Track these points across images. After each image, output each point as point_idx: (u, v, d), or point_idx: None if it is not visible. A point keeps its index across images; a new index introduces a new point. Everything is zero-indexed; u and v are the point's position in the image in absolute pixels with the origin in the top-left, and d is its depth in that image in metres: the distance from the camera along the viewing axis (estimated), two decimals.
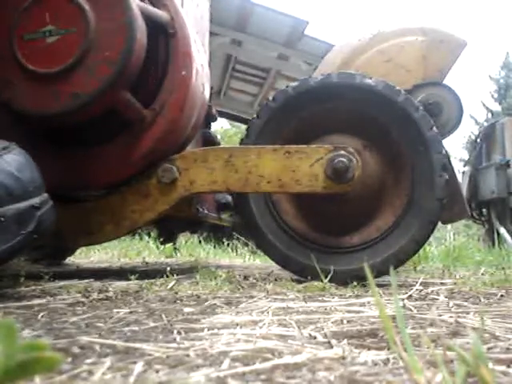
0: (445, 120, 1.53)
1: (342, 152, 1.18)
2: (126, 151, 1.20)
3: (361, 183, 1.23)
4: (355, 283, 1.13)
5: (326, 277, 1.12)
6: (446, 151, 1.33)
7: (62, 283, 1.09)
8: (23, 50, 1.10)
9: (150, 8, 1.21)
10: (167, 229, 1.95)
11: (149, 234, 3.24)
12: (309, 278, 1.20)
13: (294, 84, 1.31)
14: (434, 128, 1.25)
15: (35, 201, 0.90)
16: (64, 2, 1.10)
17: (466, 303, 0.86)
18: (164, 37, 1.23)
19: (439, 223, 1.37)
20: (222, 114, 2.29)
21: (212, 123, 1.75)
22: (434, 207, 1.23)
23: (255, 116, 1.32)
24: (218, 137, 1.77)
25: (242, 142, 1.33)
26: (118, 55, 1.08)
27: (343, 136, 1.32)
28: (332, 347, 0.51)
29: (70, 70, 1.08)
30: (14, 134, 1.15)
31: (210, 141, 1.67)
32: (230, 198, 1.66)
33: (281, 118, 1.31)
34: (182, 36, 1.23)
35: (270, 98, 1.32)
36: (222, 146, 1.76)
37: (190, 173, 1.22)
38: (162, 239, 2.05)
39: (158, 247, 2.81)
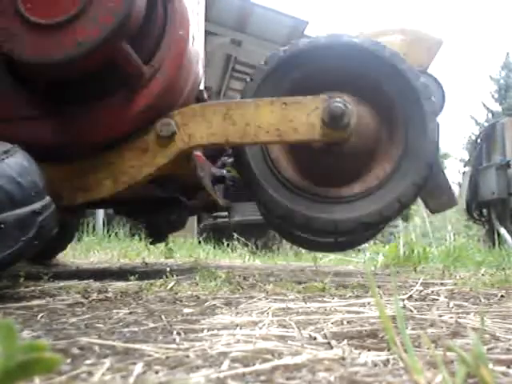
0: None
1: (337, 99, 1.23)
2: (125, 107, 1.21)
3: (356, 136, 1.27)
4: (355, 284, 1.13)
5: (331, 228, 1.18)
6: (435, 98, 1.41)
7: (61, 284, 1.09)
8: (26, 3, 1.11)
9: None
10: (156, 229, 1.95)
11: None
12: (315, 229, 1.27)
13: (285, 47, 1.37)
14: (421, 78, 1.32)
15: (36, 206, 0.89)
16: None
17: (466, 304, 0.85)
18: None
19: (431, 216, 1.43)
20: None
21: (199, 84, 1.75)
22: (428, 149, 1.30)
23: (249, 79, 1.37)
24: None
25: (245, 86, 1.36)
26: (121, 5, 1.10)
27: (337, 93, 1.36)
28: (332, 348, 0.51)
29: (73, 20, 1.10)
30: (14, 93, 1.17)
31: (203, 101, 1.68)
32: (225, 171, 1.68)
33: (274, 80, 1.36)
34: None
35: (262, 61, 1.38)
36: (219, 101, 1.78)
37: (189, 127, 1.25)
38: (151, 240, 2.05)
39: (157, 247, 2.81)
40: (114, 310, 0.76)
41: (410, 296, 0.94)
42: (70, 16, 1.10)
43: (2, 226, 0.84)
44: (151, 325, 0.64)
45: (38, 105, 1.19)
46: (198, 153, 1.56)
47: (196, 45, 1.38)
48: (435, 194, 1.42)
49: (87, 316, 0.71)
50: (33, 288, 1.02)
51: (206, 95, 1.70)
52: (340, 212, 1.29)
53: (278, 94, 1.34)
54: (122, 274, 1.50)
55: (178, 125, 1.24)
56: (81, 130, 1.22)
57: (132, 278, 1.17)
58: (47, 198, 0.94)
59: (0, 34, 1.11)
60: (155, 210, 1.82)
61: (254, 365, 0.44)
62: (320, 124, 1.22)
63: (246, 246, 3.52)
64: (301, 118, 1.23)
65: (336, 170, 1.37)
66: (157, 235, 2.00)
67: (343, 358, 0.47)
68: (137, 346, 0.51)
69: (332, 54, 1.34)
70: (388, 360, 0.46)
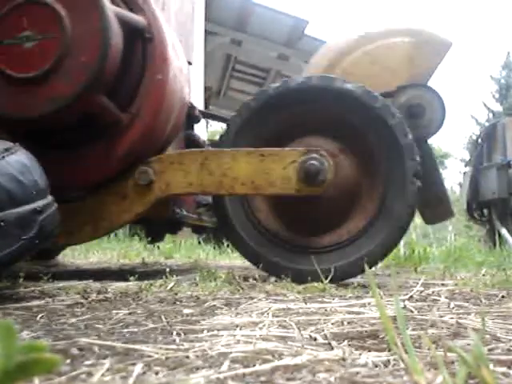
0: (427, 121, 1.55)
1: (314, 155, 1.21)
2: (104, 154, 1.22)
3: (334, 186, 1.24)
4: (356, 284, 1.13)
5: (293, 276, 1.16)
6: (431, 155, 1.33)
7: (60, 284, 1.09)
8: (1, 55, 1.12)
9: (126, 13, 1.22)
10: (154, 228, 1.96)
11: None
12: (282, 276, 1.22)
13: (275, 85, 1.34)
14: (410, 135, 1.26)
15: (38, 205, 0.89)
16: (41, 8, 1.11)
17: (466, 304, 0.85)
18: (141, 41, 1.25)
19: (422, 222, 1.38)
20: (216, 118, 2.30)
21: (195, 124, 1.77)
22: (404, 213, 1.25)
23: (235, 114, 1.34)
24: (217, 136, 1.78)
25: (220, 138, 1.34)
26: (94, 60, 1.11)
27: (321, 138, 1.34)
28: (332, 348, 0.51)
29: (46, 75, 1.11)
30: None
31: (193, 142, 1.70)
32: (210, 198, 1.69)
33: (260, 118, 1.33)
34: (159, 41, 1.25)
35: (251, 97, 1.35)
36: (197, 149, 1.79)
37: (166, 175, 1.25)
38: (149, 239, 2.07)
39: (157, 247, 2.81)
40: (114, 311, 0.76)
41: (411, 296, 0.94)
42: (44, 71, 1.10)
43: (3, 224, 0.83)
44: (151, 325, 0.64)
45: None
46: None
47: (181, 63, 1.37)
48: (432, 205, 1.38)
49: (87, 316, 0.71)
50: (32, 288, 1.02)
51: (196, 112, 1.72)
52: (304, 263, 1.26)
53: (263, 131, 1.33)
54: (121, 274, 1.50)
55: (155, 172, 1.25)
56: (60, 176, 1.21)
57: (132, 278, 1.17)
58: (49, 197, 0.93)
59: None
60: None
61: (254, 365, 0.44)
62: (296, 178, 1.21)
63: None
64: (277, 170, 1.22)
65: (309, 219, 1.34)
66: (154, 235, 2.01)
67: (344, 359, 0.46)
68: (136, 346, 0.51)
69: (322, 98, 1.30)
70: (388, 361, 0.46)
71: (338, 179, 1.25)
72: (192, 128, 1.76)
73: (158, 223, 1.92)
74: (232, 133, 1.32)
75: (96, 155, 1.22)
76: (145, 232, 2.12)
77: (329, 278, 1.14)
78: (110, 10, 1.14)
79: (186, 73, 1.45)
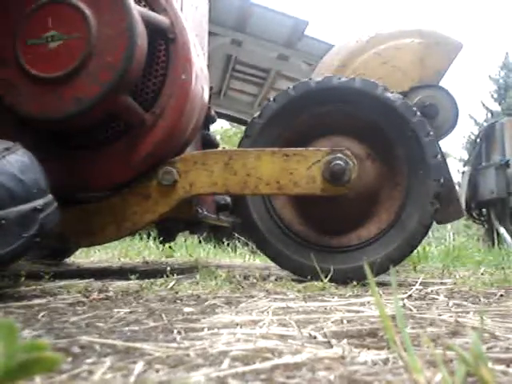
0: (440, 122, 1.54)
1: (339, 155, 1.20)
2: (127, 154, 1.22)
3: (355, 190, 1.24)
4: (355, 283, 1.13)
5: (298, 271, 1.16)
6: (450, 175, 1.36)
7: (62, 283, 1.09)
8: (26, 55, 1.11)
9: (150, 13, 1.22)
10: (166, 228, 1.96)
11: (149, 234, 3.24)
12: (308, 277, 1.22)
13: (317, 79, 1.32)
14: (439, 156, 1.26)
15: (38, 203, 0.89)
16: (66, 7, 1.11)
17: (465, 303, 0.86)
18: (164, 42, 1.24)
19: (434, 223, 1.38)
20: (221, 116, 2.30)
21: (211, 124, 1.76)
22: (418, 232, 1.25)
23: (256, 116, 1.33)
24: (218, 137, 1.78)
25: (242, 141, 1.34)
26: (120, 61, 1.10)
27: (350, 140, 1.33)
28: (332, 347, 0.51)
29: (72, 75, 1.10)
30: (16, 135, 1.15)
31: (209, 142, 1.69)
32: (228, 199, 1.67)
33: (297, 107, 1.32)
34: (182, 41, 1.25)
35: (271, 98, 1.33)
36: (221, 148, 1.78)
37: (190, 175, 1.24)
38: (161, 238, 2.06)
39: (157, 247, 2.81)
40: (115, 309, 0.77)
41: (410, 295, 0.94)
42: (69, 71, 1.09)
43: (3, 222, 0.83)
44: (152, 324, 0.65)
45: (41, 148, 1.18)
46: None
47: (201, 62, 1.37)
48: (442, 205, 1.38)
49: (88, 315, 0.72)
50: (34, 287, 1.02)
51: (212, 112, 1.71)
52: (316, 260, 1.24)
53: (285, 133, 1.33)
54: (122, 273, 1.50)
55: (179, 172, 1.24)
56: (84, 176, 1.23)
57: (133, 277, 1.17)
58: (49, 196, 0.93)
59: (1, 86, 1.11)
60: None
61: (254, 364, 0.45)
62: (320, 178, 1.20)
63: (247, 245, 3.52)
64: (301, 170, 1.21)
65: (323, 218, 1.34)
66: (167, 235, 2.01)
67: (343, 357, 0.47)
68: (137, 344, 0.51)
69: (361, 101, 1.30)
70: (388, 359, 0.46)
71: (360, 184, 1.25)
72: (208, 128, 1.75)
73: (171, 223, 1.92)
74: (266, 116, 1.31)
75: (120, 156, 1.22)
76: (157, 231, 2.11)
77: (328, 277, 1.14)
78: (136, 9, 1.14)
79: (206, 72, 1.45)
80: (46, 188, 0.93)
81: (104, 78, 1.10)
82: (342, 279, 1.20)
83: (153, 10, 1.25)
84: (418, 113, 1.28)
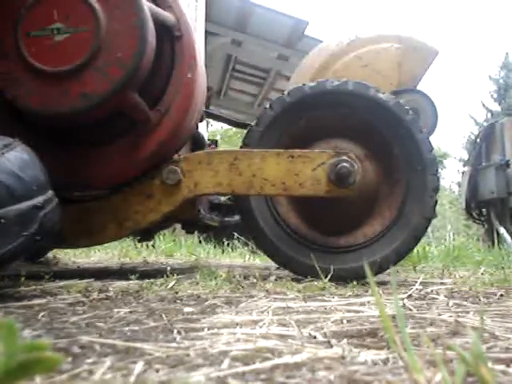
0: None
1: (345, 157, 1.22)
2: (131, 152, 1.20)
3: (357, 190, 1.26)
4: (355, 283, 1.13)
5: (307, 273, 1.18)
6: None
7: (62, 283, 1.09)
8: (29, 48, 1.08)
9: (158, 10, 1.20)
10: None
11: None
12: (308, 277, 1.23)
13: (311, 84, 1.33)
14: (433, 151, 1.31)
15: (38, 200, 0.87)
16: (73, 0, 1.08)
17: (465, 303, 0.86)
18: (170, 39, 1.23)
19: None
20: (219, 118, 2.31)
21: (199, 123, 1.77)
22: (421, 224, 1.28)
23: (268, 107, 1.34)
24: (218, 137, 1.78)
25: (250, 129, 1.35)
26: (130, 57, 1.08)
27: (348, 142, 1.36)
28: (332, 347, 0.51)
29: (79, 70, 1.07)
30: (15, 132, 1.14)
31: (197, 140, 1.68)
32: (222, 198, 1.68)
33: (292, 114, 1.33)
34: (188, 39, 1.24)
35: (267, 105, 1.35)
36: (224, 148, 1.78)
37: (195, 175, 1.24)
38: (138, 238, 2.05)
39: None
40: (115, 309, 0.77)
41: (410, 295, 0.94)
42: (77, 65, 1.07)
43: (3, 220, 0.82)
44: (152, 324, 0.65)
45: (43, 146, 1.16)
46: None
47: (202, 60, 1.37)
48: None
49: (88, 315, 0.72)
50: (34, 287, 1.02)
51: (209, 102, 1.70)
52: (321, 261, 1.26)
53: (284, 138, 1.34)
54: (122, 273, 1.50)
55: (183, 172, 1.23)
56: (85, 173, 1.21)
57: (133, 277, 1.17)
58: (49, 192, 0.92)
59: (3, 79, 1.09)
60: None
61: (254, 363, 0.45)
62: (325, 180, 1.22)
63: (247, 245, 3.52)
64: (307, 172, 1.22)
65: (328, 219, 1.36)
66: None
67: (343, 357, 0.47)
68: (137, 344, 0.51)
69: (355, 103, 1.32)
70: (388, 359, 0.46)
71: (361, 184, 1.27)
72: (197, 127, 1.76)
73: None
74: (263, 124, 1.32)
75: (123, 153, 1.20)
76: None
77: (328, 277, 1.14)
78: (146, 5, 1.12)
79: (204, 70, 1.44)
80: (46, 184, 0.92)
81: (114, 75, 1.07)
82: (353, 278, 1.22)
83: (158, 6, 1.23)
84: (410, 111, 1.31)
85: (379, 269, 1.27)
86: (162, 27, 1.21)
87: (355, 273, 1.24)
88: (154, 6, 1.19)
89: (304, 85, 1.34)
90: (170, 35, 1.23)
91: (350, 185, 1.21)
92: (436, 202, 1.29)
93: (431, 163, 1.29)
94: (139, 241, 2.13)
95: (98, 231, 1.24)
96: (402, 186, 1.33)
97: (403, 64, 1.63)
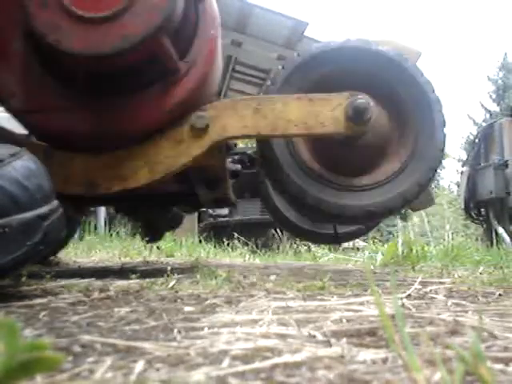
0: None
1: (360, 96, 1.33)
2: (162, 99, 1.25)
3: (371, 132, 1.39)
4: (354, 283, 1.13)
5: (337, 213, 1.33)
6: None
7: (63, 282, 1.09)
8: None
9: None
10: (153, 228, 1.95)
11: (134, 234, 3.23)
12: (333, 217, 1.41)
13: (318, 44, 1.50)
14: (435, 91, 1.46)
15: (43, 210, 0.87)
16: None
17: (464, 302, 0.86)
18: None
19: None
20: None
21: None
22: (435, 155, 1.44)
23: (281, 66, 1.48)
24: None
25: (267, 87, 1.48)
26: (166, 2, 1.15)
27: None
28: (331, 346, 0.51)
29: (118, 15, 1.13)
30: (49, 84, 1.20)
31: None
32: (239, 166, 1.75)
33: (303, 72, 1.47)
34: (209, 1, 1.33)
35: (295, 53, 1.50)
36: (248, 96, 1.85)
37: (222, 119, 1.31)
38: (147, 239, 2.04)
39: (158, 247, 2.81)
40: (116, 309, 0.77)
41: (409, 294, 0.94)
42: (116, 11, 1.13)
43: (7, 229, 0.82)
44: (152, 323, 0.65)
45: (76, 96, 1.23)
46: None
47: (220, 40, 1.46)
48: None
49: (89, 314, 0.72)
50: (35, 287, 1.03)
51: None
52: (349, 199, 1.41)
53: (305, 84, 1.46)
54: (123, 272, 1.50)
55: (211, 117, 1.30)
56: (118, 121, 1.25)
57: (133, 276, 1.17)
58: (54, 202, 0.92)
59: (44, 27, 1.13)
60: (153, 208, 1.83)
61: (254, 362, 0.45)
62: (344, 118, 1.32)
63: (247, 245, 3.53)
64: (326, 112, 1.32)
65: (349, 161, 1.48)
66: (153, 234, 2.00)
67: (342, 356, 0.47)
68: (138, 344, 0.51)
69: (359, 57, 1.46)
70: (387, 358, 0.46)
71: (375, 126, 1.39)
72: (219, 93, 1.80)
73: (156, 222, 1.91)
74: (278, 83, 1.44)
75: (154, 100, 1.25)
76: (143, 232, 2.09)
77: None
78: None
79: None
80: (51, 194, 0.92)
81: (151, 19, 1.14)
82: (381, 212, 1.38)
83: None
84: (410, 59, 1.48)
85: (403, 201, 1.41)
86: None
87: (383, 207, 1.38)
88: None
89: (312, 46, 1.50)
90: None
91: (367, 121, 1.31)
92: (445, 135, 1.44)
93: (436, 101, 1.43)
94: (148, 242, 2.13)
95: (130, 176, 1.27)
96: (413, 125, 1.46)
97: None
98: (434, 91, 1.44)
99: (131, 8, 1.14)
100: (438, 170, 1.57)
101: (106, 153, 1.28)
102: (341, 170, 1.49)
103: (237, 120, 1.30)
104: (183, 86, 1.26)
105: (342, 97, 1.33)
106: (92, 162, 1.27)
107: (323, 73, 1.47)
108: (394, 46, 1.79)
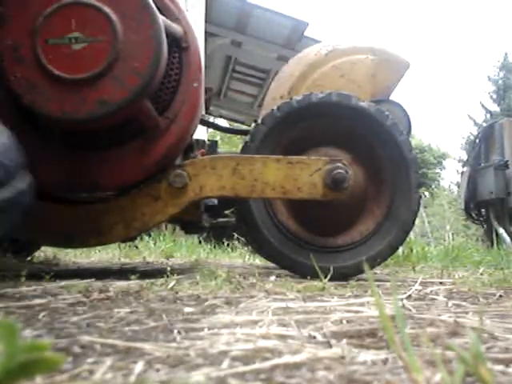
0: None
1: (339, 164, 1.32)
2: (140, 156, 1.24)
3: (348, 193, 1.37)
4: (354, 283, 1.13)
5: (311, 274, 1.23)
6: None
7: (62, 283, 1.09)
8: (47, 55, 1.11)
9: (168, 22, 1.24)
10: None
11: (149, 235, 3.25)
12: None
13: (298, 98, 1.45)
14: (413, 151, 1.45)
15: (19, 185, 0.87)
16: (91, 10, 1.11)
17: (464, 303, 0.86)
18: (177, 50, 1.28)
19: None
20: (212, 126, 2.33)
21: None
22: (409, 218, 1.42)
23: (260, 122, 1.44)
24: (218, 138, 1.81)
25: (246, 144, 1.43)
26: (146, 67, 1.12)
27: (335, 149, 1.48)
28: (331, 347, 0.51)
29: (97, 78, 1.11)
30: (26, 136, 1.16)
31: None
32: (216, 201, 1.75)
33: (283, 127, 1.44)
34: (194, 49, 1.29)
35: (259, 121, 1.45)
36: (228, 153, 1.84)
37: (200, 178, 1.30)
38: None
39: (158, 247, 2.81)
40: (115, 309, 0.77)
41: (409, 295, 0.94)
42: (95, 73, 1.10)
43: None
44: (152, 324, 0.65)
45: (52, 149, 1.21)
46: None
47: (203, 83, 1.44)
48: None
49: (88, 315, 0.72)
50: (34, 287, 1.03)
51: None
52: (322, 260, 1.34)
53: (284, 140, 1.45)
54: (122, 273, 1.50)
55: (189, 176, 1.29)
56: (91, 175, 1.24)
57: (133, 277, 1.17)
58: (27, 178, 0.91)
59: (19, 84, 1.11)
60: None
61: (253, 363, 0.45)
62: (321, 184, 1.32)
63: (247, 245, 3.53)
64: (304, 177, 1.32)
65: (324, 221, 1.47)
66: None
67: (342, 357, 0.47)
68: (138, 344, 0.51)
69: (339, 112, 1.44)
70: (387, 359, 0.46)
71: (352, 187, 1.37)
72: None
73: None
74: (257, 139, 1.42)
75: (132, 157, 1.24)
76: None
77: (328, 277, 1.14)
78: (160, 18, 1.16)
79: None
80: (23, 166, 0.91)
81: (131, 83, 1.11)
82: (354, 274, 1.34)
83: (167, 18, 1.27)
84: (390, 117, 1.43)
85: (375, 263, 1.39)
86: (172, 38, 1.25)
87: (356, 269, 1.35)
88: (165, 19, 1.23)
89: (291, 99, 1.45)
90: (178, 46, 1.27)
91: (344, 189, 1.31)
92: (420, 196, 1.44)
93: (413, 162, 1.42)
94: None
95: (106, 231, 1.27)
96: (389, 184, 1.45)
97: (377, 75, 1.75)
98: (411, 150, 1.43)
99: (110, 72, 1.10)
100: (439, 171, 1.58)
101: (83, 206, 1.28)
102: (317, 230, 1.47)
103: (215, 179, 1.29)
104: (163, 143, 1.24)
105: (321, 162, 1.33)
106: (68, 214, 1.26)
107: (303, 127, 1.45)
108: (384, 55, 1.80)
